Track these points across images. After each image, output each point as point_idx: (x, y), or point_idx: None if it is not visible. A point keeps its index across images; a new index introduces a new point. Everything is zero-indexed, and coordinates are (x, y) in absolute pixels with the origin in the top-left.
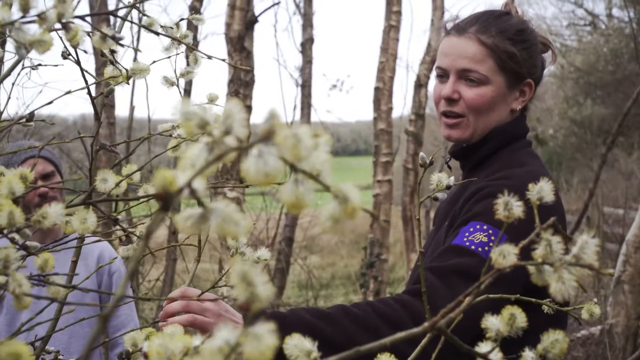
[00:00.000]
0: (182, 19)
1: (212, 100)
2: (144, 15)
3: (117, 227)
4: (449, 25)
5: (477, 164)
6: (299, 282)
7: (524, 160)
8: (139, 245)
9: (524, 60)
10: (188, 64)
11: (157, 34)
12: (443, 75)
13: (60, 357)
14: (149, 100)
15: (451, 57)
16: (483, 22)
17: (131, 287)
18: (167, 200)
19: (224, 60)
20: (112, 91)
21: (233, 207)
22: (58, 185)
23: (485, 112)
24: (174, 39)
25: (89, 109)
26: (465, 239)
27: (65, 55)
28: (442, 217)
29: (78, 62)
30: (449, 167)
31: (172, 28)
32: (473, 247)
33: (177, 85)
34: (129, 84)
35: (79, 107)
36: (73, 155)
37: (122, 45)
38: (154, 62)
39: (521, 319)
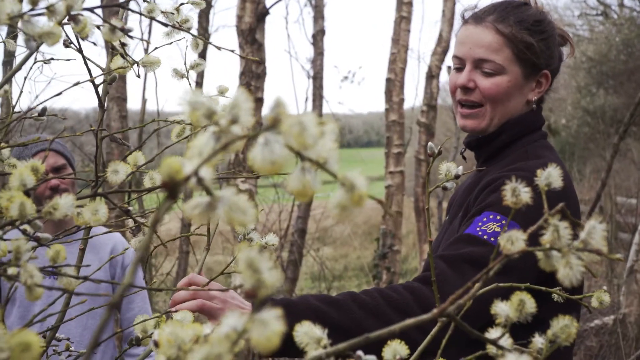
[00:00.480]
0: (182, 4)
1: (222, 92)
2: (145, 1)
3: (128, 217)
4: (467, 14)
5: (491, 155)
6: (311, 273)
7: (539, 152)
8: (145, 235)
9: (541, 51)
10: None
11: (164, 24)
12: (459, 66)
13: (72, 348)
14: (158, 93)
15: (467, 45)
16: (501, 11)
17: (144, 279)
18: (173, 189)
19: (232, 51)
20: (115, 79)
21: (241, 195)
22: (69, 177)
23: (502, 102)
24: (174, 26)
25: None
26: (477, 229)
27: (67, 43)
28: (457, 208)
29: (80, 51)
30: (464, 158)
31: (172, 13)
32: (485, 236)
33: (187, 78)
34: (139, 76)
35: (90, 101)
36: (85, 149)
37: (131, 37)
38: (156, 48)
39: (530, 305)
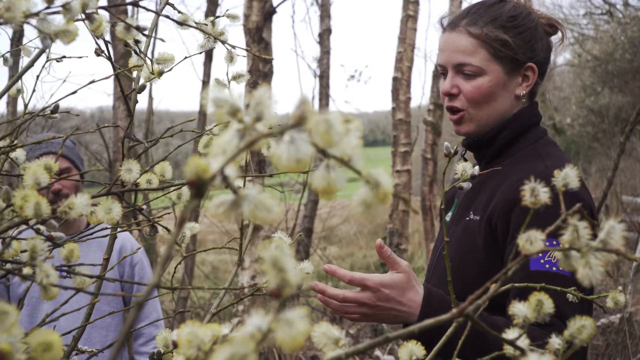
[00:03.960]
0: (217, 17)
1: (236, 78)
2: (178, 11)
3: (141, 217)
4: (445, 22)
5: (496, 154)
6: (318, 272)
7: (550, 151)
8: (172, 233)
9: (518, 46)
10: (204, 53)
11: (212, 34)
12: (444, 72)
13: (86, 349)
14: (168, 92)
15: (446, 52)
16: (473, 14)
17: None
18: (200, 188)
19: (248, 50)
20: (144, 88)
21: (266, 193)
22: (71, 180)
23: (486, 103)
24: (210, 35)
25: (106, 102)
26: (542, 261)
27: (98, 52)
28: (463, 209)
29: (110, 59)
30: (465, 160)
31: (206, 25)
32: (554, 268)
33: (229, 89)
34: (154, 74)
35: (96, 100)
36: (92, 148)
37: (146, 36)
38: (144, 36)
39: (548, 305)
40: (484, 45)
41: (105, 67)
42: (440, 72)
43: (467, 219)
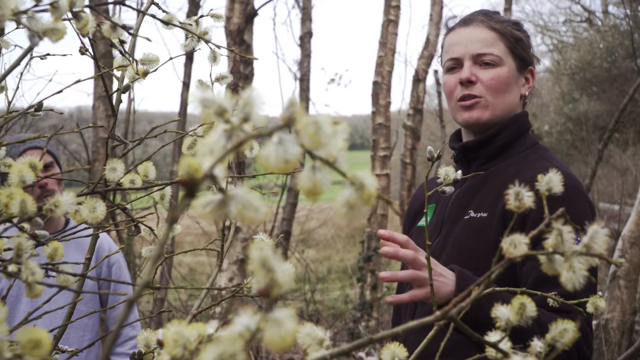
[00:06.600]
0: (201, 16)
1: (219, 79)
2: (163, 11)
3: (120, 218)
4: (452, 23)
5: (493, 155)
6: (295, 275)
7: (549, 154)
8: (162, 231)
9: (528, 47)
10: (186, 52)
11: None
12: (455, 67)
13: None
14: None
15: (463, 45)
16: (485, 13)
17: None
18: (192, 187)
19: (232, 50)
20: (129, 88)
21: (253, 193)
22: (58, 175)
23: (503, 93)
24: (194, 34)
25: (85, 102)
26: None
27: (83, 51)
28: (461, 207)
29: (95, 58)
30: (457, 162)
31: (190, 25)
32: None
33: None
34: (138, 74)
35: (74, 99)
36: (71, 147)
37: (132, 35)
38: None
39: (531, 309)
40: (502, 39)
41: (85, 67)
42: (450, 65)
43: (467, 217)
